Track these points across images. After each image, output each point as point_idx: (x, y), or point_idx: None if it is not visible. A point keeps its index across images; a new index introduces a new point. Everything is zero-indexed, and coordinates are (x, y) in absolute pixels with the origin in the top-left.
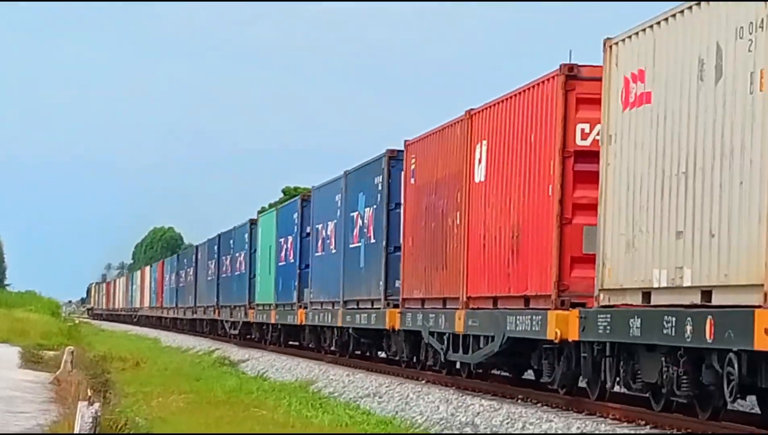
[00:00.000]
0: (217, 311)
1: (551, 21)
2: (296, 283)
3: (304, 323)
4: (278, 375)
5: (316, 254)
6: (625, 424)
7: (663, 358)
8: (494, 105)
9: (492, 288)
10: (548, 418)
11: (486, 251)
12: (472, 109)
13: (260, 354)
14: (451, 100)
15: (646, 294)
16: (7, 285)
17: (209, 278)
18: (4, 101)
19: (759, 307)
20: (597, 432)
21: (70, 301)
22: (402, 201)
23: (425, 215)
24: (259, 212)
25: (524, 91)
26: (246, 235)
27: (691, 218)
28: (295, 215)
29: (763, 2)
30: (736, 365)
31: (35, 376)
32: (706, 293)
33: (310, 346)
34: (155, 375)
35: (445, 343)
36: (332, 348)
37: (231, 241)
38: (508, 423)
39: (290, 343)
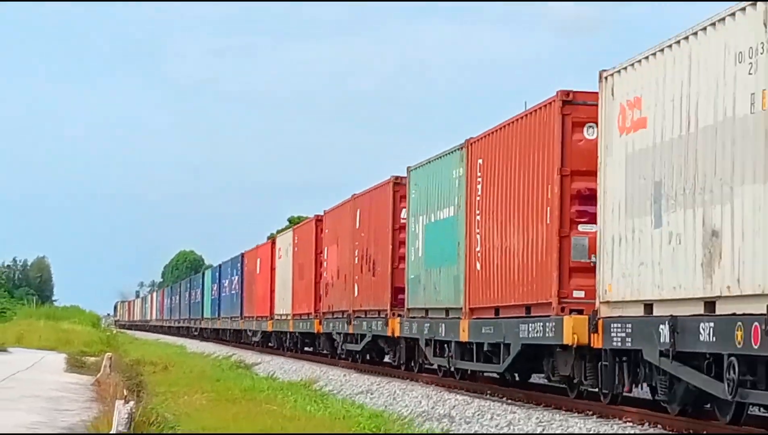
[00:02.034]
0: (189, 322)
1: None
2: (218, 308)
3: (219, 328)
4: (286, 375)
5: (224, 294)
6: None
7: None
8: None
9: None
10: (512, 410)
11: (256, 300)
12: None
13: (270, 358)
14: (439, 134)
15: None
16: (55, 300)
17: (185, 302)
18: (58, 144)
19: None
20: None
21: (108, 314)
22: (244, 276)
23: (248, 283)
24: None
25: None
26: (200, 279)
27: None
28: (217, 273)
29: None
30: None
31: (79, 379)
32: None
33: (226, 339)
34: (181, 377)
35: (259, 336)
36: (229, 339)
37: (195, 282)
38: (478, 414)
39: (223, 338)
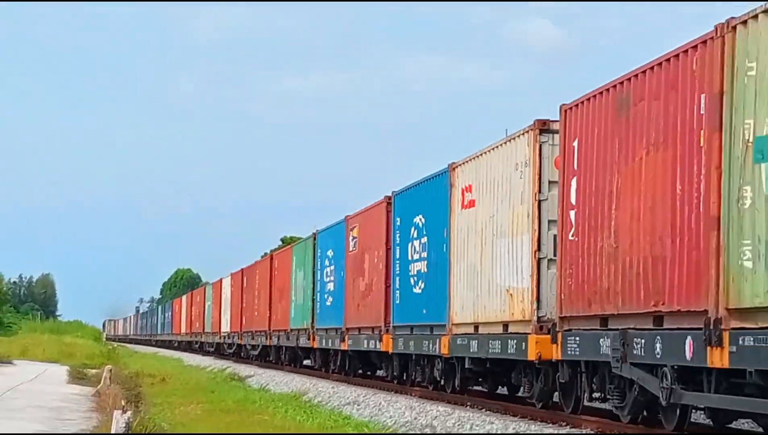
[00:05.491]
0: (151, 336)
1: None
2: (165, 327)
3: (164, 339)
4: (277, 387)
5: (165, 320)
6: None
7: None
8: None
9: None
10: (490, 420)
11: (176, 324)
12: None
13: (263, 371)
14: (429, 156)
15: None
16: (59, 315)
17: (150, 323)
18: (63, 163)
19: None
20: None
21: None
22: (173, 312)
23: (173, 315)
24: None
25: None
26: (158, 310)
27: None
28: (161, 308)
29: None
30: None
31: (80, 390)
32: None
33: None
34: (178, 388)
35: (178, 344)
36: (171, 347)
37: (155, 311)
38: (458, 425)
39: (176, 348)
